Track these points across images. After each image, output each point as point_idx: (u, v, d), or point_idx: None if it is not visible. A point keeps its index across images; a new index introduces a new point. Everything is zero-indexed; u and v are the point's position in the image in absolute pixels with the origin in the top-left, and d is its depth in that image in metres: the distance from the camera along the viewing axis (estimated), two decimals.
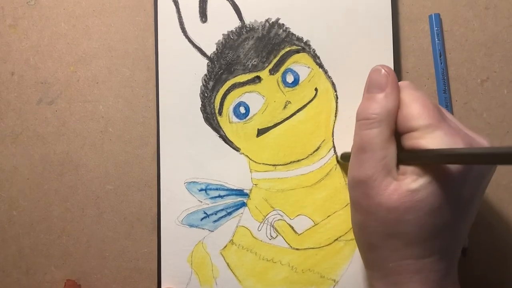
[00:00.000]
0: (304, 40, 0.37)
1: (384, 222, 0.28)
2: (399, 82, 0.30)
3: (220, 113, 0.38)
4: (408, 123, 0.28)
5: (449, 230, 0.28)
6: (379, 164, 0.28)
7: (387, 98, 0.29)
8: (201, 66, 0.38)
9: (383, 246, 0.28)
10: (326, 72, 0.37)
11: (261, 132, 0.37)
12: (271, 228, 0.37)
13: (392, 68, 0.30)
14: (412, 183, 0.27)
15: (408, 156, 0.28)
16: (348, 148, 0.37)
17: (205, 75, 0.38)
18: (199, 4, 0.38)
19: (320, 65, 0.37)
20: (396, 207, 0.27)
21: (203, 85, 0.38)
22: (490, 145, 0.28)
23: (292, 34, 0.37)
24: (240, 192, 0.37)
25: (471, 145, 0.27)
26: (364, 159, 0.28)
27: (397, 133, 0.29)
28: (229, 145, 0.38)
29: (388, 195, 0.27)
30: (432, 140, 0.26)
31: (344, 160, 0.36)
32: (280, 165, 0.37)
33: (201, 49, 0.38)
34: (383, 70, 0.30)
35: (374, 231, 0.28)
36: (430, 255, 0.28)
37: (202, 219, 0.37)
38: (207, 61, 0.38)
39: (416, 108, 0.28)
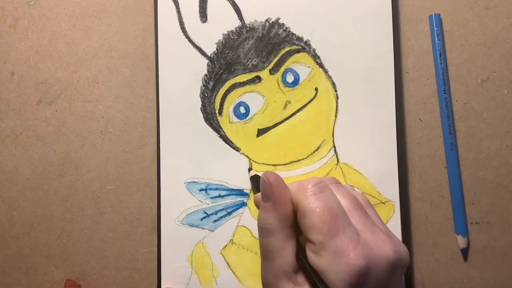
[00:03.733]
0: (304, 39, 0.37)
1: None
2: (295, 184, 0.30)
3: (220, 113, 0.38)
4: (307, 233, 0.28)
5: None
6: (278, 272, 0.29)
7: (274, 208, 0.29)
8: (201, 66, 0.38)
9: None
10: (326, 71, 0.37)
11: (261, 132, 0.37)
12: None
13: (276, 174, 0.31)
14: None
15: (303, 270, 0.29)
16: (348, 148, 0.37)
17: (205, 75, 0.38)
18: (199, 4, 0.38)
19: (320, 65, 0.37)
20: None
21: (203, 85, 0.38)
22: (394, 250, 0.27)
23: (292, 33, 0.37)
24: (240, 192, 0.37)
25: (366, 259, 0.26)
26: (266, 266, 0.30)
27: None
28: (229, 145, 0.38)
29: None
30: (323, 258, 0.27)
31: (252, 182, 0.36)
32: (280, 165, 0.37)
33: (201, 49, 0.38)
34: (266, 180, 0.30)
35: None
36: None
37: (202, 219, 0.37)
38: (207, 61, 0.38)
39: (311, 219, 0.28)
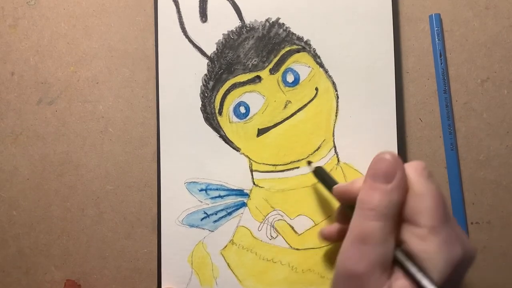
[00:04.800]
0: (305, 39, 0.37)
1: None
2: (413, 164, 0.28)
3: (220, 113, 0.38)
4: (414, 216, 0.26)
5: None
6: (378, 260, 0.26)
7: (394, 191, 0.27)
8: (201, 66, 0.38)
9: None
10: (326, 71, 0.37)
11: (261, 132, 0.37)
12: (271, 228, 0.37)
13: (397, 154, 0.29)
14: (405, 283, 0.25)
15: (401, 263, 0.26)
16: (348, 148, 0.37)
17: (205, 75, 0.38)
18: (199, 4, 0.38)
19: (321, 65, 0.37)
20: None
21: (203, 85, 0.38)
22: (475, 252, 0.27)
23: (293, 33, 0.37)
24: (240, 192, 0.37)
25: (465, 250, 0.26)
26: (363, 252, 0.26)
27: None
28: (229, 145, 0.37)
29: None
30: (432, 244, 0.25)
31: (316, 175, 0.35)
32: (280, 165, 0.37)
33: (201, 49, 0.38)
34: (391, 159, 0.28)
35: None
36: None
37: (202, 219, 0.37)
38: (207, 61, 0.38)
39: (425, 203, 0.26)
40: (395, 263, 0.26)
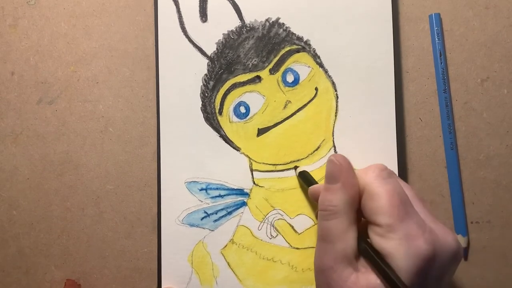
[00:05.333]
0: (304, 39, 0.37)
1: None
2: (371, 166, 0.30)
3: (220, 112, 0.38)
4: (373, 217, 0.28)
5: None
6: (338, 255, 0.28)
7: (342, 190, 0.29)
8: (201, 66, 0.38)
9: None
10: (326, 71, 0.37)
11: (261, 131, 0.37)
12: (271, 227, 0.37)
13: (345, 157, 0.31)
14: (370, 276, 0.27)
15: (365, 254, 0.28)
16: (348, 148, 0.37)
17: (205, 74, 0.38)
18: (199, 3, 0.38)
19: (320, 65, 0.37)
20: None
21: (203, 84, 0.38)
22: (456, 240, 0.28)
23: (292, 33, 0.37)
24: (241, 192, 0.37)
25: (434, 245, 0.26)
26: (324, 249, 0.29)
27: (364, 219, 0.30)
28: (229, 144, 0.38)
29: (347, 287, 0.27)
30: (391, 242, 0.27)
31: (301, 179, 0.37)
32: (280, 164, 0.37)
33: (201, 49, 0.38)
34: (335, 161, 0.30)
35: None
36: None
37: (202, 218, 0.37)
38: (207, 60, 0.38)
39: (380, 202, 0.28)
40: (364, 256, 0.28)
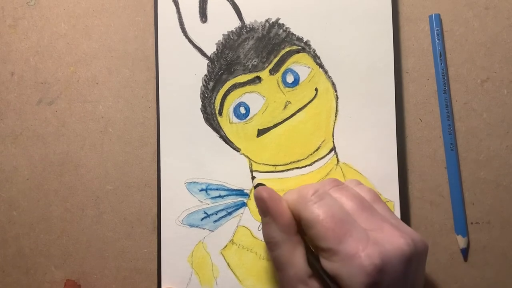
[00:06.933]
0: (304, 40, 0.37)
1: None
2: (301, 192, 0.30)
3: (220, 113, 0.38)
4: (313, 242, 0.29)
5: None
6: (293, 281, 0.29)
7: (274, 221, 0.30)
8: (201, 67, 0.38)
9: None
10: (326, 72, 0.37)
11: (261, 132, 0.37)
12: None
13: (267, 188, 0.32)
14: None
15: (317, 275, 0.29)
16: (348, 148, 0.37)
17: (205, 75, 0.38)
18: (199, 4, 0.38)
19: (320, 65, 0.37)
20: None
21: (203, 85, 0.38)
22: (405, 241, 0.27)
23: (292, 34, 0.37)
24: (241, 192, 0.37)
25: (379, 257, 0.26)
26: (282, 278, 0.30)
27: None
28: (229, 145, 0.38)
29: None
30: (335, 264, 0.27)
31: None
32: (280, 165, 0.37)
33: (201, 49, 0.38)
34: (257, 196, 0.31)
35: None
36: None
37: (202, 219, 0.37)
38: (207, 61, 0.38)
39: (315, 229, 0.28)
40: (316, 276, 0.29)
